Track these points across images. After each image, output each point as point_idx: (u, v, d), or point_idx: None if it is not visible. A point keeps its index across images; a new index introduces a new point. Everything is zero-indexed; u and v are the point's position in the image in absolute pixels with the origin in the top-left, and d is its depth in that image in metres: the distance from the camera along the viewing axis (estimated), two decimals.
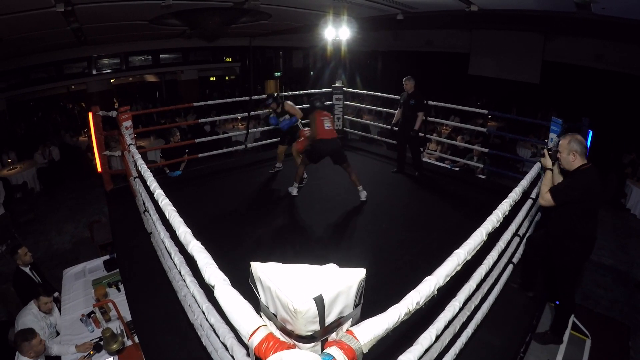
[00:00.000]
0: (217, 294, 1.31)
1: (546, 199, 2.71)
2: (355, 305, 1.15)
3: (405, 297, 1.38)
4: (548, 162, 2.86)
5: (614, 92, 10.05)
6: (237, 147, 7.38)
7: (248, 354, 1.39)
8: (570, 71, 10.75)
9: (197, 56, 14.17)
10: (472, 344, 2.42)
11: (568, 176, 2.71)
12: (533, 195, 3.27)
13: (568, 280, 2.85)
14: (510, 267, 3.03)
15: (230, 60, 15.10)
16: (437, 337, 1.68)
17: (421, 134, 5.87)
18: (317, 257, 3.72)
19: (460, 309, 1.92)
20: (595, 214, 2.70)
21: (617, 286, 5.51)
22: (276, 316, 1.12)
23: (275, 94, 5.55)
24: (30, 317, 3.53)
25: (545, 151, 2.90)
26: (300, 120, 5.48)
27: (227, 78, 17.13)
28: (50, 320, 3.81)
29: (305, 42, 15.11)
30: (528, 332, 2.88)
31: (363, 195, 4.91)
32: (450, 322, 1.85)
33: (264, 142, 7.05)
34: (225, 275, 1.39)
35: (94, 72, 12.26)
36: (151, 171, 2.77)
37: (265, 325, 1.12)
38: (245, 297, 1.25)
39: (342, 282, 1.09)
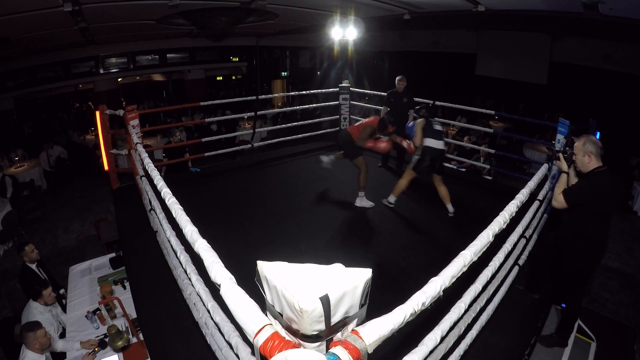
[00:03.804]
0: (223, 292, 1.31)
1: (559, 201, 2.67)
2: (361, 306, 1.15)
3: (411, 297, 1.38)
4: (564, 165, 2.83)
5: (622, 93, 9.97)
6: (243, 147, 7.41)
7: (253, 353, 1.39)
8: (577, 72, 10.69)
9: (204, 56, 14.25)
10: (477, 345, 2.41)
11: (582, 178, 2.68)
12: (540, 196, 3.25)
13: (576, 284, 2.82)
14: (516, 269, 3.02)
15: (237, 59, 15.15)
16: (442, 338, 1.68)
17: None
18: (323, 257, 3.71)
19: (466, 311, 1.91)
20: (607, 218, 2.66)
21: (623, 289, 5.45)
22: (282, 315, 1.12)
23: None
24: (34, 312, 3.55)
25: (561, 155, 2.86)
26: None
27: (233, 78, 17.18)
28: (56, 311, 3.85)
29: (312, 42, 15.12)
30: (533, 334, 2.86)
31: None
32: (455, 323, 1.84)
33: (270, 141, 7.07)
34: (231, 274, 1.39)
35: (102, 71, 12.38)
36: (158, 169, 2.78)
37: (271, 324, 1.12)
38: (251, 296, 1.25)
39: (348, 282, 1.09)
